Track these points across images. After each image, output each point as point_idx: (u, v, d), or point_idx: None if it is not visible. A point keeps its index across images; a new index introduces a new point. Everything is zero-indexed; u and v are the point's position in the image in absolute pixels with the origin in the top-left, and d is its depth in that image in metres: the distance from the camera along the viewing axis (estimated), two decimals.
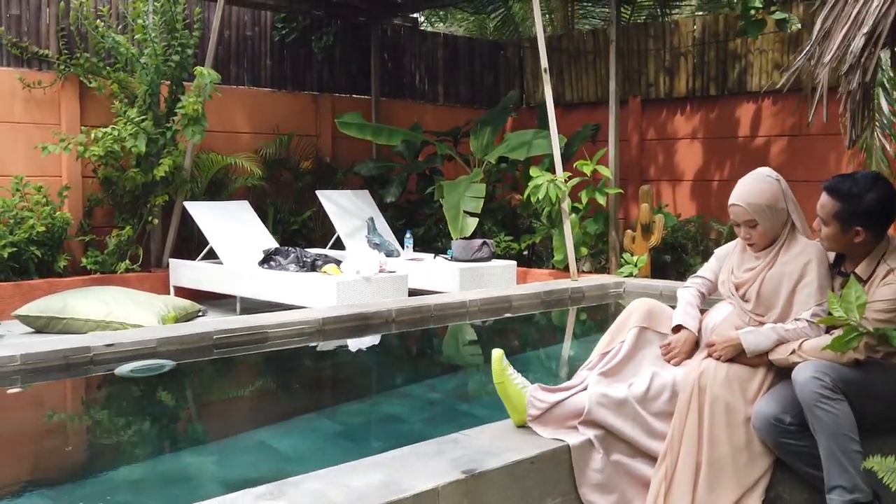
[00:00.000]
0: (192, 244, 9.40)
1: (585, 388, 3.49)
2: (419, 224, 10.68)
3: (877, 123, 8.29)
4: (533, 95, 12.53)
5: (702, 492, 3.32)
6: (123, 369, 4.88)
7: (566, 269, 8.96)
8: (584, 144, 10.10)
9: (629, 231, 8.92)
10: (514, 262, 8.93)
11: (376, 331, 6.25)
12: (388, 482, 2.87)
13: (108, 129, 8.21)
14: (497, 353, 3.48)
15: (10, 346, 4.75)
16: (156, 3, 8.44)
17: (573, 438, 3.34)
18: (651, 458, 3.43)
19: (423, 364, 6.29)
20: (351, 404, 5.06)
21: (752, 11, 8.25)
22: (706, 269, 3.90)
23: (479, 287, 8.24)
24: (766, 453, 3.36)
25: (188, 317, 7.87)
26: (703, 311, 3.79)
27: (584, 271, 9.03)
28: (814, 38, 3.51)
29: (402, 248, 9.22)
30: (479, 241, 8.70)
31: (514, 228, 10.31)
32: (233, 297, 8.95)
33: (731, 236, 10.05)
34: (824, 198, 3.33)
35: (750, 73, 10.44)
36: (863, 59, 3.03)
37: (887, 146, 8.24)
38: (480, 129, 10.31)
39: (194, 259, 8.96)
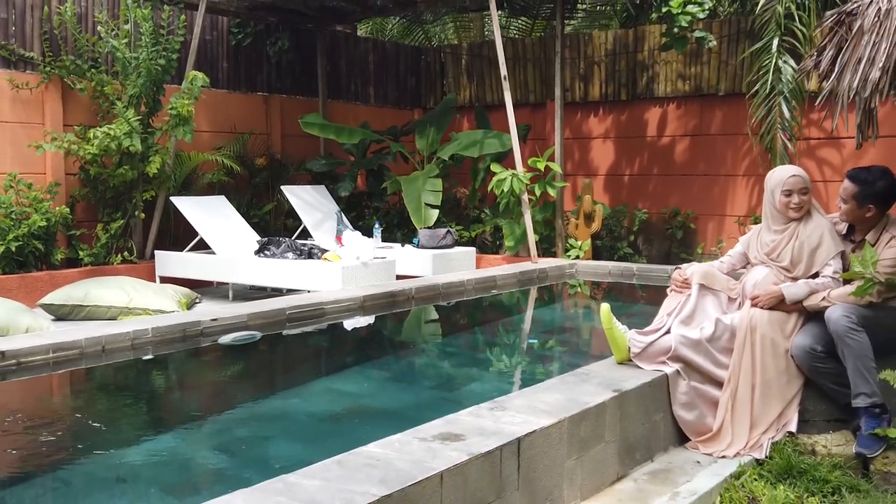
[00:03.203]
0: (169, 236, 9.96)
1: (667, 332, 4.60)
2: (368, 217, 11.56)
3: (779, 127, 9.85)
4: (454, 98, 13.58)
5: (757, 406, 4.51)
6: (226, 339, 5.70)
7: (517, 254, 10.11)
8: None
9: (572, 219, 10.14)
10: (474, 249, 10.00)
11: (401, 306, 7.27)
12: (570, 398, 3.88)
13: (105, 129, 8.68)
14: (605, 307, 4.56)
15: (141, 321, 5.43)
16: (144, 10, 8.96)
17: (667, 370, 4.45)
18: (718, 383, 4.59)
19: (440, 328, 7.54)
20: (390, 358, 6.30)
21: (677, 29, 9.59)
22: (733, 252, 5.12)
23: (447, 271, 9.24)
24: (799, 376, 4.59)
25: (190, 303, 8.50)
26: (737, 278, 5.01)
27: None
28: (824, 64, 4.77)
29: (371, 237, 10.08)
30: (443, 230, 9.71)
31: (460, 219, 11.36)
32: (211, 284, 9.68)
33: (644, 223, 11.46)
34: (846, 183, 4.58)
35: (657, 82, 11.86)
36: (879, 86, 4.26)
37: (788, 145, 9.79)
38: (426, 129, 11.28)
39: (175, 250, 9.54)
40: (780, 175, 4.79)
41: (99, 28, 9.07)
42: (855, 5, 4.66)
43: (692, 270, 4.91)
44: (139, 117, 8.93)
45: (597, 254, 10.69)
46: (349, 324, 6.78)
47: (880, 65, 4.31)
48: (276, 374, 5.78)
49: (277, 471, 3.66)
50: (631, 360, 4.54)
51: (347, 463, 3.01)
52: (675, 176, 11.82)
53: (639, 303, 8.43)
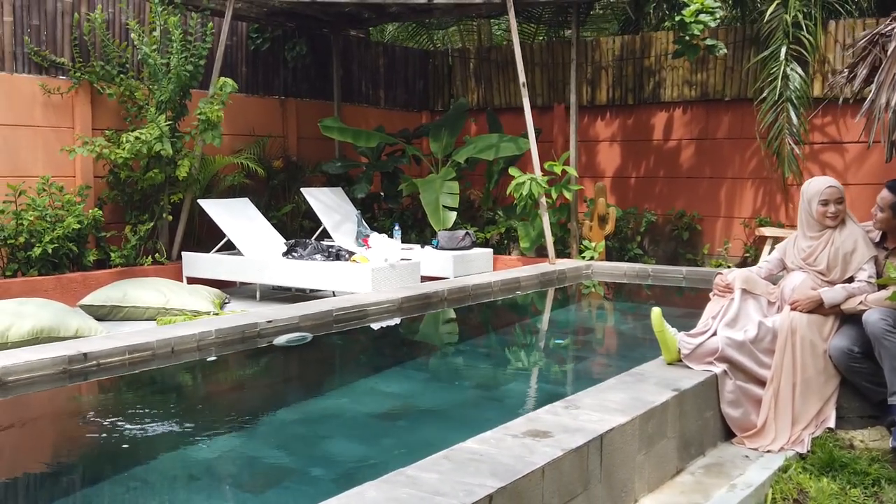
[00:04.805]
0: (193, 238, 10.17)
1: (714, 335, 4.89)
2: (381, 218, 11.82)
3: (787, 132, 10.19)
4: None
5: (798, 403, 4.81)
6: (280, 340, 5.96)
7: (523, 254, 10.42)
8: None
9: (586, 221, 10.44)
10: (491, 250, 10.28)
11: (435, 307, 7.57)
12: (634, 398, 4.16)
13: (136, 133, 8.89)
14: (656, 311, 4.84)
15: (203, 324, 5.67)
16: (173, 17, 9.17)
17: (714, 370, 4.74)
18: (761, 382, 4.88)
19: (473, 328, 7.87)
20: (429, 358, 6.63)
21: (689, 37, 9.89)
22: (770, 258, 5.43)
23: (467, 272, 9.52)
24: (836, 375, 4.90)
25: (221, 303, 8.72)
26: (775, 282, 5.32)
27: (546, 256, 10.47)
28: (857, 82, 5.07)
29: (391, 239, 10.32)
30: (462, 232, 9.98)
31: (474, 220, 11.64)
32: (234, 284, 9.91)
33: (650, 225, 11.77)
34: (884, 192, 4.89)
35: (663, 87, 12.17)
36: None
37: (795, 149, 10.14)
38: (440, 132, 11.55)
39: (199, 251, 9.76)
40: (818, 186, 5.10)
41: (132, 35, 9.26)
42: (889, 28, 4.97)
43: (734, 276, 5.20)
44: (169, 122, 9.14)
45: (608, 255, 11.00)
46: (389, 325, 7.06)
47: None
48: (328, 374, 6.05)
49: (345, 468, 3.99)
50: (679, 361, 4.83)
51: (454, 458, 3.27)
52: (682, 178, 12.12)
53: (653, 302, 8.74)
